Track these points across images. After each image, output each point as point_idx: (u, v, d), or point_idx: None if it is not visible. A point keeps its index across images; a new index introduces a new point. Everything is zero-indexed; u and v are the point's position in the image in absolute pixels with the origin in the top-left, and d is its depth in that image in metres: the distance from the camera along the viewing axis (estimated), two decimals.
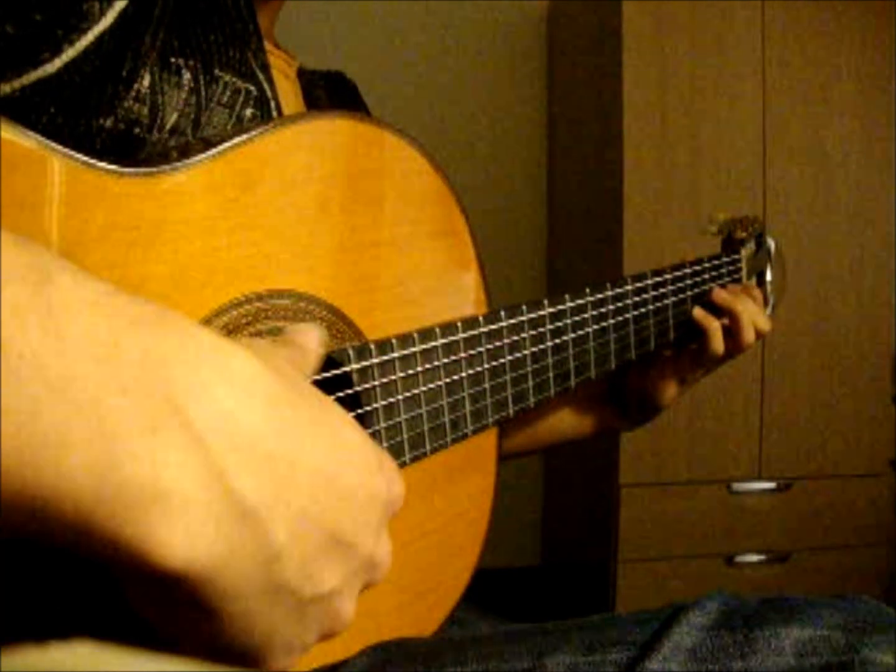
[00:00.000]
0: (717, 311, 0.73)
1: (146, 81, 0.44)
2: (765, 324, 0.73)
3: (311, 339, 0.36)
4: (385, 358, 0.49)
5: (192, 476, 0.24)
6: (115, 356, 0.23)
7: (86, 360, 0.23)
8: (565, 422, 0.78)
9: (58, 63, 0.41)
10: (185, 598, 0.25)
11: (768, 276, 0.83)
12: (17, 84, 0.40)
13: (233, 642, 0.28)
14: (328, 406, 0.31)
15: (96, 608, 0.35)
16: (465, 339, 0.54)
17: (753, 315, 0.72)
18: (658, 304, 0.70)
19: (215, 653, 0.29)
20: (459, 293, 0.58)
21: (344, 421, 0.31)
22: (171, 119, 0.46)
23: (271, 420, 0.27)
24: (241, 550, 0.25)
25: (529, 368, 0.59)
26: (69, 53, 0.41)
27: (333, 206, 0.48)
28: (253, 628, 0.28)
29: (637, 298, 0.67)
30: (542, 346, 0.59)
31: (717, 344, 0.71)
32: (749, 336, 0.72)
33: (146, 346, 0.24)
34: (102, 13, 0.42)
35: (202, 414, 0.25)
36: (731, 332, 0.72)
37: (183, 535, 0.24)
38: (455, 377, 0.54)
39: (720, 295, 0.73)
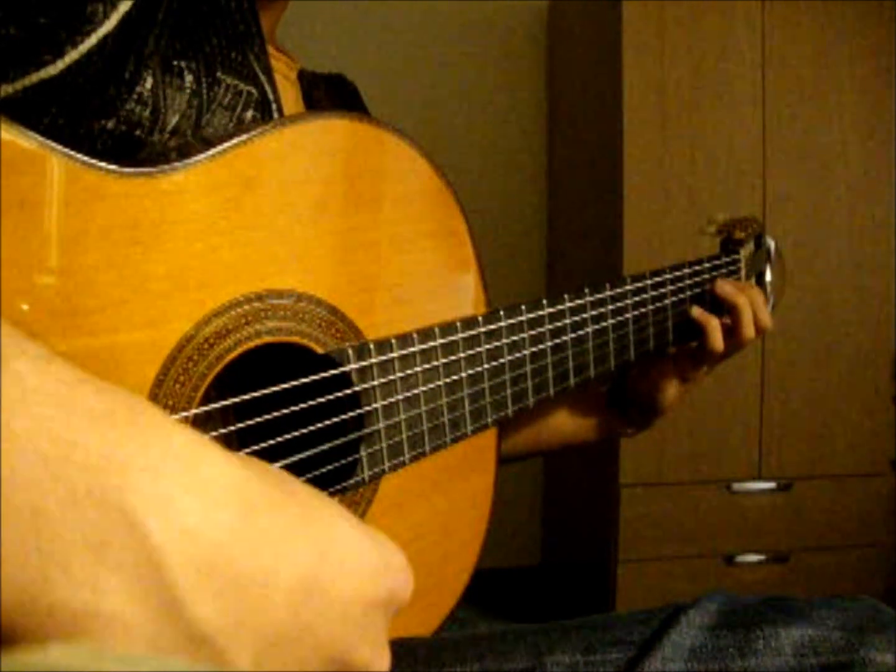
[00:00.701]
0: (716, 308, 0.73)
1: (148, 84, 0.44)
2: (767, 320, 0.73)
3: None
4: (384, 358, 0.49)
5: (139, 603, 0.21)
6: (66, 459, 0.21)
7: (33, 461, 0.20)
8: (568, 427, 0.78)
9: (60, 65, 0.41)
10: None
11: (768, 277, 0.83)
12: (19, 85, 0.40)
13: None
14: (321, 503, 0.28)
15: None
16: (464, 339, 0.54)
17: (756, 310, 0.72)
18: (657, 305, 0.70)
19: None
20: (459, 293, 0.58)
21: (339, 519, 0.28)
22: (173, 121, 0.46)
23: (242, 535, 0.24)
24: None
25: (528, 368, 0.59)
26: (72, 56, 0.41)
27: (333, 206, 0.48)
28: None
29: (636, 298, 0.67)
30: (541, 346, 0.59)
31: (717, 341, 0.71)
32: (749, 331, 0.72)
33: (105, 448, 0.22)
34: (106, 16, 0.42)
35: (161, 531, 0.22)
36: (732, 327, 0.72)
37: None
38: (454, 377, 0.54)
39: (723, 288, 0.73)
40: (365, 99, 0.75)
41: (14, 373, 0.21)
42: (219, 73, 0.49)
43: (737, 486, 1.73)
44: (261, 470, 0.27)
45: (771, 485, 1.75)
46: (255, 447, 0.45)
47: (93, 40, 0.42)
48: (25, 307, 0.34)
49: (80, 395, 0.22)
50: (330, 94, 0.68)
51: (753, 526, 1.74)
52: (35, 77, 0.41)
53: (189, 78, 0.47)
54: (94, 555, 0.21)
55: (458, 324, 0.54)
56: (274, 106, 0.53)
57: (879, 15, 1.75)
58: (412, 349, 0.51)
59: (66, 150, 0.35)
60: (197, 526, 0.23)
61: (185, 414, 0.41)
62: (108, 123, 0.43)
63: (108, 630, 0.21)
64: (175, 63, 0.46)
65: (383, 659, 0.30)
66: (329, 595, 0.26)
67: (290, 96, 0.60)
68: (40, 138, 0.34)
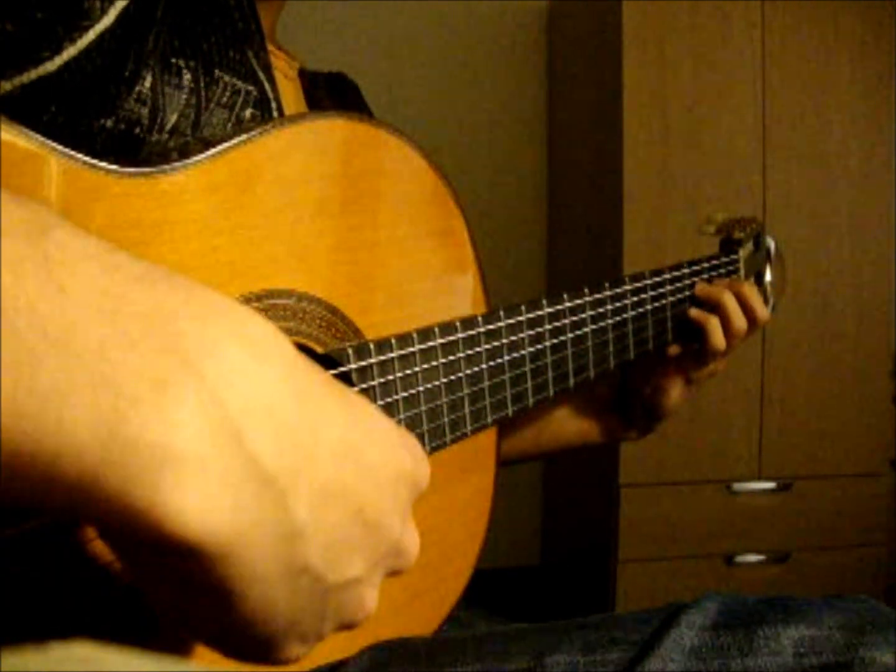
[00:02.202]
0: (712, 308, 0.73)
1: (147, 82, 0.44)
2: (762, 312, 0.73)
3: None
4: (384, 357, 0.49)
5: (207, 436, 0.22)
6: (119, 308, 0.22)
7: (88, 311, 0.21)
8: (569, 430, 0.78)
9: (58, 61, 0.41)
10: (200, 577, 0.23)
11: (767, 276, 0.83)
12: (17, 82, 0.40)
13: (247, 629, 0.25)
14: (344, 387, 0.29)
15: (98, 605, 0.35)
16: (463, 339, 0.54)
17: (746, 302, 0.72)
18: (656, 304, 0.70)
19: (224, 639, 0.26)
20: (458, 293, 0.58)
21: (362, 399, 0.29)
22: (172, 119, 0.46)
23: (290, 385, 0.25)
24: (261, 524, 0.23)
25: (528, 368, 0.59)
26: (70, 52, 0.41)
27: (332, 206, 0.48)
28: (272, 615, 0.25)
29: (635, 298, 0.67)
30: (540, 346, 0.59)
31: (718, 339, 0.71)
32: (739, 322, 0.71)
33: (154, 299, 0.22)
34: (104, 12, 0.42)
35: (216, 370, 0.23)
36: (723, 323, 0.72)
37: (199, 503, 0.22)
38: (454, 377, 0.54)
39: (702, 288, 0.73)
40: (365, 98, 0.75)
41: (57, 240, 0.22)
42: (217, 72, 0.49)
43: (737, 486, 1.73)
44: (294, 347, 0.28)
45: (771, 485, 1.75)
46: None
47: (91, 36, 0.42)
48: None
49: (121, 260, 0.23)
50: (331, 92, 0.68)
51: (753, 526, 1.74)
52: (33, 74, 0.40)
53: (187, 76, 0.47)
54: (159, 392, 0.21)
55: (458, 323, 0.54)
56: (273, 104, 0.53)
57: (879, 15, 1.75)
58: (412, 349, 0.51)
59: (65, 149, 0.35)
60: (248, 369, 0.23)
61: None
62: (107, 122, 0.43)
63: (182, 464, 0.21)
64: (173, 61, 0.46)
65: (412, 535, 0.32)
66: (363, 461, 0.27)
67: (290, 95, 0.60)
68: (40, 138, 0.34)
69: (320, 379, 0.27)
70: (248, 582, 0.24)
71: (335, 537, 0.26)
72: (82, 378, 0.21)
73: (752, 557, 1.74)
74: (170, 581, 0.24)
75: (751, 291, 0.72)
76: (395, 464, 0.29)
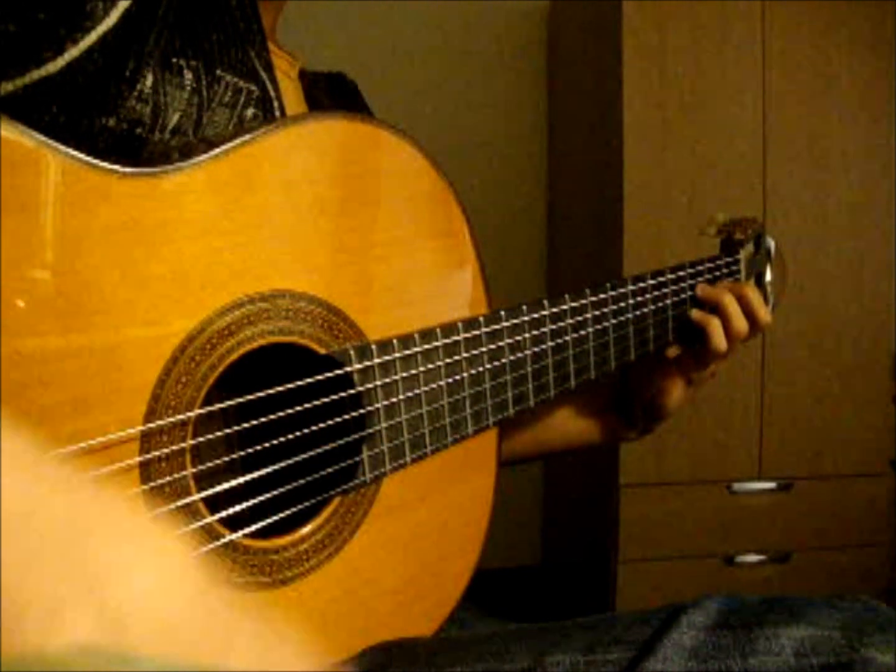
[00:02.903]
0: (713, 309, 0.73)
1: (149, 81, 0.44)
2: (764, 315, 0.73)
3: None
4: (386, 358, 0.49)
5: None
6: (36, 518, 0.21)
7: None
8: (570, 430, 0.78)
9: (60, 62, 0.41)
10: None
11: (768, 277, 0.83)
12: (19, 83, 0.40)
13: None
14: None
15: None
16: (465, 340, 0.54)
17: (748, 304, 0.72)
18: (657, 305, 0.70)
19: None
20: (460, 293, 0.58)
21: None
22: (174, 119, 0.46)
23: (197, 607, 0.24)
24: None
25: (529, 369, 0.59)
26: (72, 53, 0.41)
27: (334, 206, 0.48)
28: None
29: (637, 299, 0.67)
30: (542, 347, 0.60)
31: (720, 340, 0.71)
32: (740, 325, 0.71)
33: (74, 513, 0.22)
34: (106, 13, 0.42)
35: (119, 596, 0.22)
36: (723, 325, 0.72)
37: None
38: (456, 377, 0.54)
39: (703, 289, 0.73)
40: (365, 98, 0.75)
41: None
42: (219, 71, 0.49)
43: (737, 486, 1.73)
44: None
45: (771, 485, 1.75)
46: (257, 447, 0.46)
47: (93, 37, 0.42)
48: (27, 306, 0.34)
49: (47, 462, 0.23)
50: (331, 92, 0.68)
51: (753, 526, 1.74)
52: (35, 74, 0.40)
53: (189, 76, 0.47)
54: (55, 615, 0.21)
55: (460, 324, 0.54)
56: (275, 103, 0.53)
57: (879, 15, 1.75)
58: (414, 350, 0.51)
59: (68, 149, 0.35)
60: (153, 593, 0.22)
61: (189, 414, 0.41)
62: (108, 121, 0.43)
63: None
64: (175, 61, 0.46)
65: None
66: None
67: (291, 94, 0.60)
68: (42, 138, 0.34)
69: None
70: None
71: None
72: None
73: (752, 557, 1.74)
74: None
75: (752, 294, 0.72)
76: None
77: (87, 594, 0.21)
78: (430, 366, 0.52)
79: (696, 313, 0.72)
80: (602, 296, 0.64)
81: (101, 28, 0.42)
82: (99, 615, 0.21)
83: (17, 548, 0.20)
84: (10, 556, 0.20)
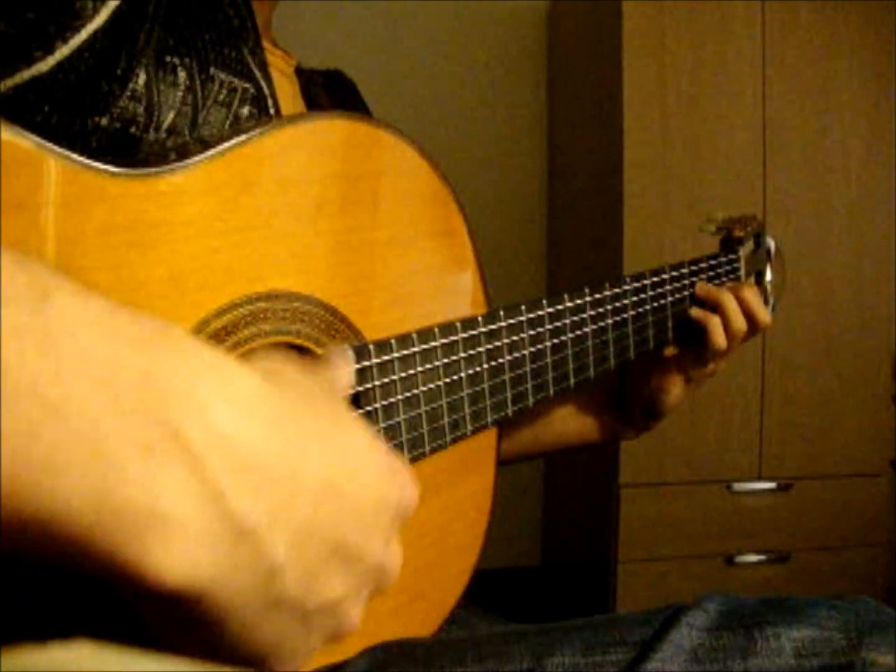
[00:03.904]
0: (712, 307, 0.73)
1: (141, 80, 0.44)
2: (763, 315, 0.73)
3: (343, 360, 0.38)
4: (384, 358, 0.49)
5: (189, 499, 0.24)
6: (113, 378, 0.23)
7: (84, 382, 0.22)
8: (568, 428, 0.77)
9: (51, 61, 0.41)
10: (186, 614, 0.26)
11: (767, 276, 0.83)
12: (10, 83, 0.40)
13: (236, 651, 0.28)
14: (339, 415, 0.31)
15: (98, 607, 0.35)
16: (464, 340, 0.54)
17: (747, 304, 0.72)
18: (657, 304, 0.69)
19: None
20: (458, 293, 0.58)
21: (355, 430, 0.31)
22: (168, 118, 0.45)
23: (272, 439, 0.27)
24: (239, 568, 0.26)
25: (528, 368, 0.59)
26: (62, 52, 0.41)
27: (332, 206, 0.48)
28: (257, 638, 0.28)
29: (636, 298, 0.67)
30: (540, 346, 0.59)
31: (719, 339, 0.71)
32: (739, 323, 0.71)
33: (146, 366, 0.24)
34: (96, 11, 0.42)
35: (200, 436, 0.25)
36: (722, 324, 0.72)
37: (181, 558, 0.24)
38: (454, 377, 0.54)
39: (702, 288, 0.73)
40: (363, 97, 0.75)
41: (57, 306, 0.23)
42: (212, 70, 0.48)
43: (737, 486, 1.73)
44: (285, 383, 0.29)
45: (771, 485, 1.75)
46: None
47: (83, 35, 0.42)
48: None
49: (119, 322, 0.24)
50: (328, 90, 0.68)
51: (753, 526, 1.74)
52: (26, 74, 0.40)
53: (182, 74, 0.46)
54: (145, 460, 0.23)
55: (458, 324, 0.54)
56: (270, 101, 0.52)
57: (879, 15, 1.75)
58: (411, 350, 0.51)
59: (63, 150, 0.35)
60: (231, 432, 0.25)
61: None
62: (101, 120, 0.43)
63: (164, 526, 0.23)
64: (168, 59, 0.46)
65: (395, 556, 0.33)
66: (344, 497, 0.29)
67: (287, 92, 0.60)
68: (37, 139, 0.34)
69: (308, 420, 0.29)
70: (229, 615, 0.26)
71: (313, 569, 0.28)
72: (76, 450, 0.22)
73: (752, 557, 1.74)
74: (161, 614, 0.27)
75: (751, 294, 0.72)
76: (379, 495, 0.31)
77: (171, 436, 0.24)
78: (429, 366, 0.52)
79: (695, 312, 0.72)
80: (601, 295, 0.64)
81: (91, 26, 0.42)
82: (184, 454, 0.24)
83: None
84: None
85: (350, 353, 0.39)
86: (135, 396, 0.23)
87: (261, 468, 0.26)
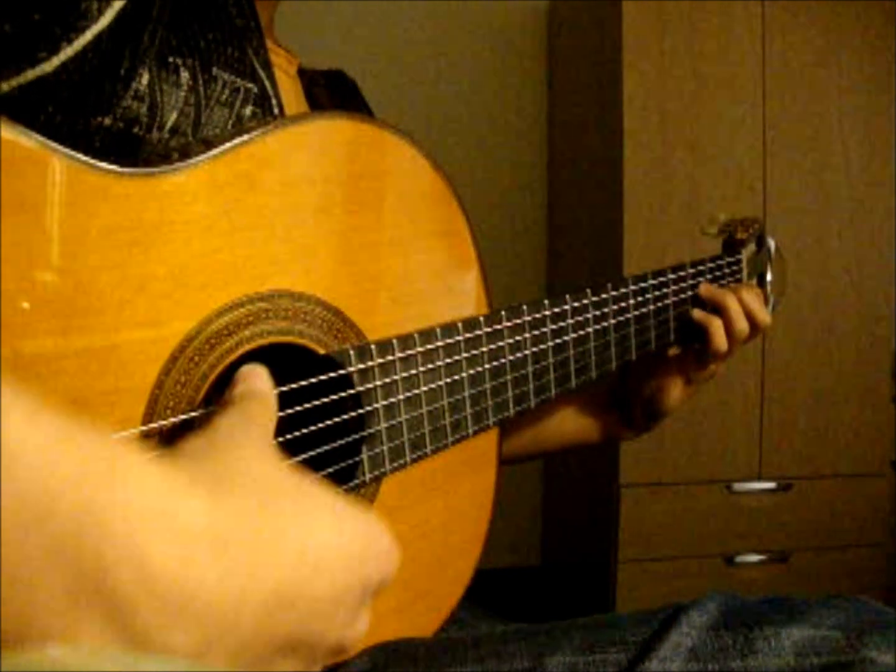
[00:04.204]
0: (715, 310, 0.73)
1: (144, 80, 0.44)
2: (764, 316, 0.73)
3: (263, 382, 0.36)
4: (386, 359, 0.49)
5: (113, 643, 0.23)
6: (54, 510, 0.22)
7: (24, 511, 0.21)
8: (569, 428, 0.78)
9: (55, 62, 0.41)
10: None
11: (769, 277, 0.83)
12: (14, 83, 0.40)
13: None
14: (301, 498, 0.29)
15: None
16: (465, 340, 0.54)
17: (749, 306, 0.72)
18: (659, 305, 0.70)
19: None
20: (460, 293, 0.58)
21: (319, 514, 0.29)
22: (171, 118, 0.46)
23: (215, 572, 0.25)
24: None
25: (530, 369, 0.59)
26: (67, 52, 0.41)
27: (334, 206, 0.48)
28: None
29: (638, 299, 0.67)
30: (542, 347, 0.59)
31: (720, 341, 0.71)
32: (741, 325, 0.71)
33: (87, 502, 0.23)
34: (101, 12, 0.42)
35: (131, 581, 0.23)
36: (725, 326, 0.72)
37: None
38: (456, 378, 0.54)
39: (707, 289, 0.73)
40: (365, 97, 0.75)
41: (9, 426, 0.22)
42: (215, 70, 0.48)
43: (737, 486, 1.73)
44: (236, 491, 0.28)
45: (771, 485, 1.75)
46: None
47: (87, 36, 0.42)
48: (27, 307, 0.34)
49: (66, 450, 0.23)
50: (330, 90, 0.68)
51: (753, 526, 1.74)
52: (31, 74, 0.40)
53: (185, 75, 0.46)
54: (71, 600, 0.22)
55: (460, 325, 0.54)
56: (273, 101, 0.52)
57: (880, 15, 1.75)
58: (414, 350, 0.51)
59: (67, 150, 0.35)
60: (167, 572, 0.24)
61: (193, 414, 0.41)
62: (105, 120, 0.43)
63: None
64: (171, 59, 0.46)
65: (358, 630, 0.31)
66: (302, 600, 0.28)
67: (290, 91, 0.60)
68: (41, 138, 0.34)
69: (260, 534, 0.27)
70: None
71: (262, 662, 0.27)
72: (6, 579, 0.21)
73: (752, 557, 1.74)
74: None
75: (752, 296, 0.72)
76: (343, 586, 0.29)
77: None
78: (430, 366, 0.52)
79: (697, 313, 0.72)
80: (603, 296, 0.64)
81: (96, 27, 0.42)
82: (111, 598, 0.23)
83: None
84: None
85: (260, 369, 0.38)
86: (72, 532, 0.22)
87: (196, 608, 0.25)
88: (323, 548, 0.29)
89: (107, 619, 0.23)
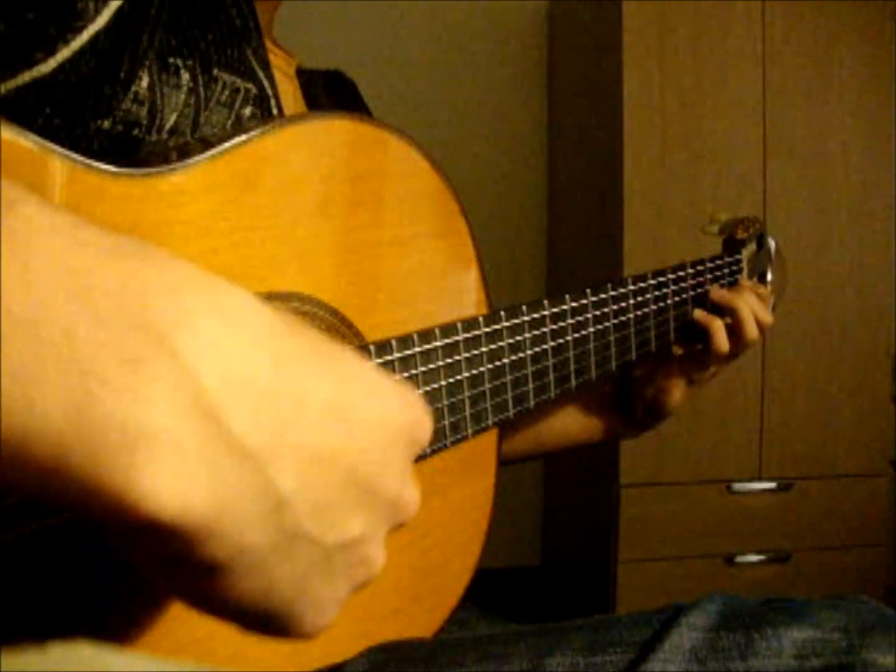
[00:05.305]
0: (717, 311, 0.73)
1: (144, 82, 0.44)
2: (767, 317, 0.73)
3: None
4: (385, 359, 0.49)
5: (181, 414, 0.21)
6: (88, 285, 0.21)
7: (55, 288, 0.20)
8: (570, 428, 0.77)
9: (52, 63, 0.41)
10: (184, 555, 0.23)
11: (769, 276, 0.83)
12: (11, 85, 0.40)
13: (250, 603, 0.25)
14: (337, 345, 0.28)
15: (107, 608, 0.35)
16: (465, 340, 0.54)
17: (755, 309, 0.72)
18: (659, 305, 0.69)
19: (237, 615, 0.26)
20: (460, 294, 0.58)
21: (354, 355, 0.28)
22: (171, 120, 0.45)
23: (268, 352, 0.24)
24: (243, 498, 0.23)
25: (530, 370, 0.59)
26: (64, 53, 0.41)
27: (333, 206, 0.48)
28: (272, 585, 0.25)
29: (638, 299, 0.67)
30: (542, 347, 0.59)
31: (722, 342, 0.71)
32: (752, 330, 0.71)
33: (123, 274, 0.22)
34: (97, 12, 0.42)
35: (189, 345, 0.22)
36: (734, 329, 0.72)
37: (173, 482, 0.21)
38: (455, 378, 0.54)
39: (718, 293, 0.73)
40: (364, 97, 0.75)
41: (23, 216, 0.21)
42: (215, 71, 0.48)
43: (737, 486, 1.73)
44: (275, 307, 0.26)
45: (771, 485, 1.75)
46: None
47: (84, 37, 0.41)
48: None
49: (90, 231, 0.22)
50: (328, 90, 0.68)
51: (753, 526, 1.74)
52: (28, 76, 0.40)
53: (185, 76, 0.46)
54: (130, 369, 0.21)
55: (459, 325, 0.54)
56: (273, 101, 0.52)
57: (879, 14, 1.75)
58: (412, 350, 0.51)
59: (64, 150, 0.35)
60: (223, 340, 0.23)
61: None
62: (104, 123, 0.43)
63: (157, 443, 0.21)
64: (171, 61, 0.46)
65: (411, 490, 0.30)
66: (353, 421, 0.26)
67: (289, 92, 0.60)
68: (39, 139, 0.34)
69: (305, 341, 0.26)
70: (235, 555, 0.23)
71: (327, 500, 0.25)
72: (51, 358, 0.20)
73: (752, 557, 1.74)
74: (159, 561, 0.24)
75: (754, 298, 0.73)
76: (392, 421, 0.28)
77: (156, 343, 0.21)
78: (430, 366, 0.52)
79: (698, 314, 0.72)
80: (603, 296, 0.64)
81: (93, 28, 0.42)
82: (172, 363, 0.22)
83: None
84: None
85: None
86: (113, 304, 0.21)
87: (259, 384, 0.23)
88: (369, 378, 0.28)
89: (174, 384, 0.21)
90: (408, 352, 0.50)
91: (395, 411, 0.28)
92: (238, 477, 0.22)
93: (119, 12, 0.43)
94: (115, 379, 0.21)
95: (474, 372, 0.55)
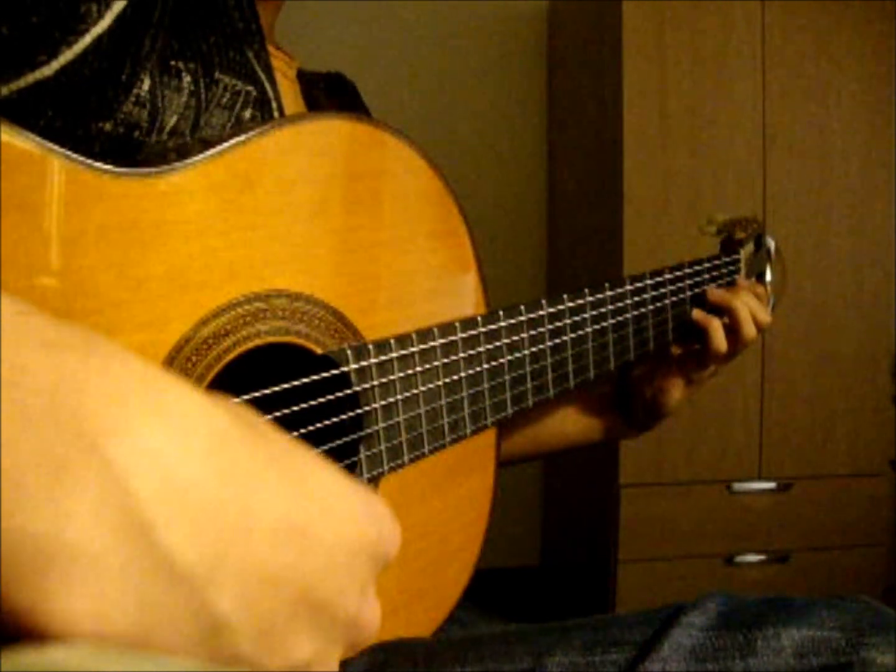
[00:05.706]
0: (715, 310, 0.73)
1: (146, 85, 0.44)
2: (765, 317, 0.73)
3: None
4: (383, 358, 0.49)
5: (105, 528, 0.19)
6: (19, 382, 0.19)
7: None
8: (569, 428, 0.77)
9: (55, 65, 0.41)
10: None
11: (768, 277, 0.83)
12: (13, 86, 0.40)
13: None
14: (296, 447, 0.26)
15: None
16: (463, 340, 0.54)
17: (752, 309, 0.72)
18: (657, 305, 0.70)
19: None
20: (458, 293, 0.58)
21: (316, 463, 0.26)
22: (171, 122, 0.45)
23: (216, 464, 0.22)
24: (173, 620, 0.21)
25: (528, 369, 0.59)
26: (66, 56, 0.41)
27: (332, 206, 0.48)
28: None
29: (636, 299, 0.67)
30: (540, 347, 0.59)
31: (720, 342, 0.71)
32: (750, 330, 0.72)
33: (59, 371, 0.20)
34: (100, 15, 0.42)
35: (124, 454, 0.20)
36: (732, 329, 0.72)
37: (90, 602, 0.19)
38: (454, 378, 0.54)
39: (715, 293, 0.73)
40: (364, 98, 0.75)
41: None
42: (217, 73, 0.48)
43: (737, 486, 1.73)
44: (231, 406, 0.25)
45: (771, 485, 1.75)
46: None
47: (87, 40, 0.41)
48: None
49: (32, 323, 0.20)
50: (329, 93, 0.68)
51: (753, 526, 1.74)
52: (30, 78, 0.40)
53: (187, 78, 0.46)
54: (53, 477, 0.19)
55: (458, 324, 0.54)
56: (274, 104, 0.52)
57: (880, 13, 1.75)
58: (411, 350, 0.51)
59: (64, 151, 0.35)
60: (163, 448, 0.21)
61: None
62: (105, 125, 0.43)
63: (74, 560, 0.19)
64: (173, 63, 0.46)
65: (374, 610, 0.28)
66: (310, 538, 0.24)
67: (289, 94, 0.60)
68: (39, 139, 0.34)
69: (261, 450, 0.24)
70: None
71: (272, 623, 0.23)
72: None
73: (752, 557, 1.74)
74: None
75: (752, 298, 0.73)
76: (352, 538, 0.26)
77: (86, 451, 0.20)
78: (428, 366, 0.52)
79: (696, 314, 0.72)
80: (601, 295, 0.64)
81: (96, 30, 0.42)
82: (103, 473, 0.20)
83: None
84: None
85: None
86: (44, 404, 0.19)
87: (201, 497, 0.21)
88: (330, 489, 0.26)
89: (100, 501, 0.19)
90: (406, 351, 0.51)
91: (356, 528, 0.26)
92: (169, 596, 0.20)
93: (122, 15, 0.43)
94: (35, 487, 0.19)
95: (473, 371, 0.55)
